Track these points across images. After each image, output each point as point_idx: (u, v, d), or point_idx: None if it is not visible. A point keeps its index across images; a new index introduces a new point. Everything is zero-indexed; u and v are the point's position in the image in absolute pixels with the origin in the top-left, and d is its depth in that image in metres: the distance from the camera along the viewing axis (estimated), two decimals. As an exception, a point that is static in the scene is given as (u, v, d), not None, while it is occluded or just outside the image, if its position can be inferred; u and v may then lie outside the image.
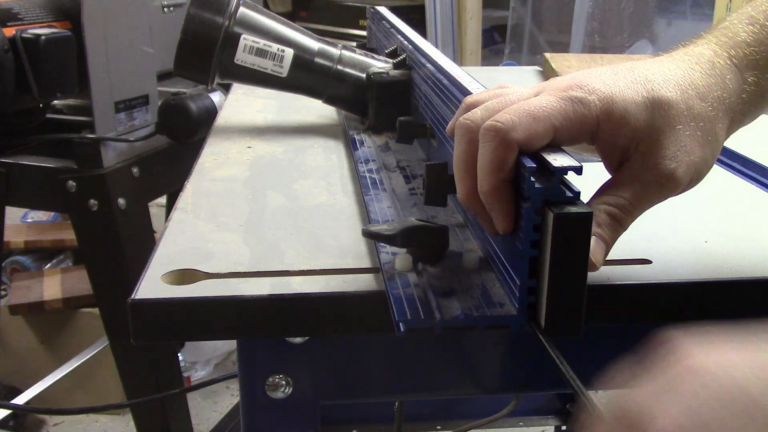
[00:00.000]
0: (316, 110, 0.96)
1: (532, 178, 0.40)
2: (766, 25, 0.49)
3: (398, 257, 0.49)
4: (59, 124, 1.24)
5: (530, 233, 0.41)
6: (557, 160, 0.41)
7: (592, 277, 0.45)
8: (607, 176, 0.47)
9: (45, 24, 1.10)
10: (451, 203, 0.60)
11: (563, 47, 2.65)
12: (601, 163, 0.47)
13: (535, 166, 0.41)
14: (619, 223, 0.44)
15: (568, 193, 0.40)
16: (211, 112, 1.22)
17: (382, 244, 0.51)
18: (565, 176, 0.40)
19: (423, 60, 0.75)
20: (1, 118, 1.14)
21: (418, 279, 0.47)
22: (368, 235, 0.49)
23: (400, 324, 0.42)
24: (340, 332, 0.48)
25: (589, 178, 0.43)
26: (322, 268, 0.51)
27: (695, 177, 0.46)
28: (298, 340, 0.51)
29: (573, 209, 0.39)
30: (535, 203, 0.40)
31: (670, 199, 0.46)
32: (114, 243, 1.19)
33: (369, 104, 0.84)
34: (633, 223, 0.45)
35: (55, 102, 1.25)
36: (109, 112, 1.15)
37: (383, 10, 1.16)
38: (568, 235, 0.39)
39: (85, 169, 1.14)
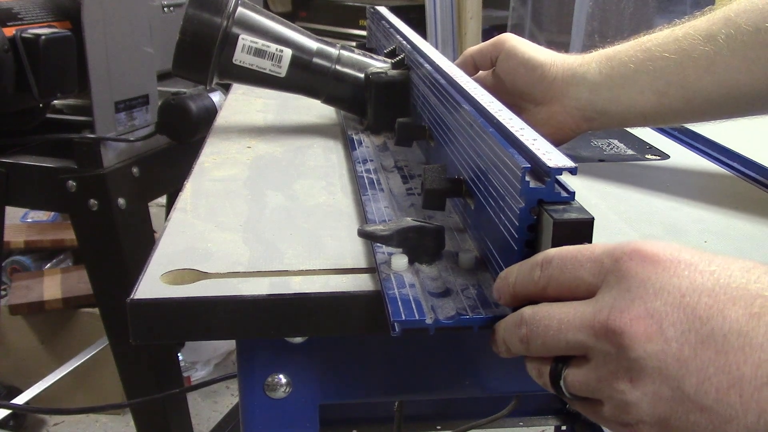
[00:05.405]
0: (316, 110, 0.96)
1: (527, 178, 0.40)
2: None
3: (394, 257, 0.49)
4: (59, 124, 1.24)
5: (525, 233, 0.41)
6: (552, 159, 0.41)
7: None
8: (603, 176, 0.47)
9: (45, 24, 1.10)
10: (448, 204, 0.60)
11: (563, 47, 2.63)
12: (598, 163, 0.47)
13: (529, 166, 0.41)
14: None
15: (564, 194, 0.40)
16: (211, 112, 1.22)
17: (378, 244, 0.51)
18: (559, 176, 0.40)
19: (421, 60, 0.76)
20: (1, 118, 1.14)
21: (414, 279, 0.47)
22: (364, 235, 0.49)
23: (395, 324, 0.42)
24: (339, 332, 0.48)
25: (587, 179, 0.43)
26: (322, 267, 0.51)
27: None
28: (297, 339, 0.52)
29: (573, 215, 0.39)
30: (530, 203, 0.40)
31: (668, 198, 0.46)
32: (114, 243, 1.19)
33: (367, 104, 0.84)
34: (632, 223, 0.45)
35: (55, 102, 1.25)
36: (109, 112, 1.15)
37: (383, 10, 1.16)
38: (569, 242, 0.39)
39: (85, 169, 1.14)
